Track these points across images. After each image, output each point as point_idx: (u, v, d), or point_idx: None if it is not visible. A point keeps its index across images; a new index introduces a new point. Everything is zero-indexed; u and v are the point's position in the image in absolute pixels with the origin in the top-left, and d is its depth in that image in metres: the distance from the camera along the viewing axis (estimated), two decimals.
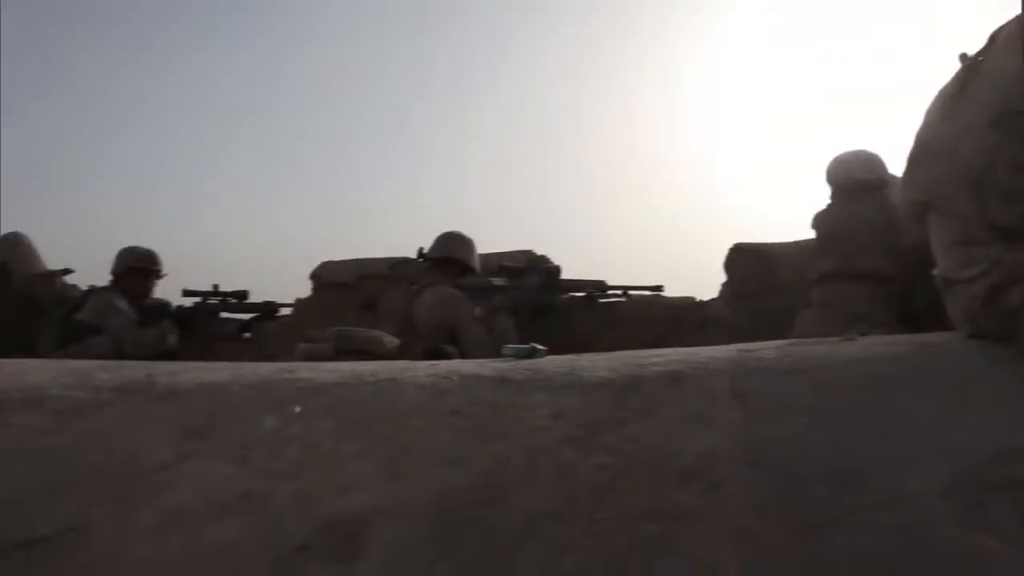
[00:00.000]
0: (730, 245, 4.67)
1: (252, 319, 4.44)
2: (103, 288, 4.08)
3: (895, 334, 1.79)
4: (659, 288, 4.38)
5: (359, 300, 4.58)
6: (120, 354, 3.69)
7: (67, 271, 4.62)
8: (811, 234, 3.67)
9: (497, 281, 3.84)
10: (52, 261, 4.73)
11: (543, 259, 4.38)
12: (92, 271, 4.35)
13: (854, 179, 3.24)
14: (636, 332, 4.10)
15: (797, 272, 4.13)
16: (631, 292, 4.31)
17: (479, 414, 1.16)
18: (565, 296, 4.13)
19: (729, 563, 0.93)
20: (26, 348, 4.08)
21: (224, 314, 4.39)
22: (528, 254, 4.42)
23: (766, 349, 1.47)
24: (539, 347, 1.68)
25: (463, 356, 3.12)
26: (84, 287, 4.31)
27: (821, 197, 3.49)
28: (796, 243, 4.49)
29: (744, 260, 4.55)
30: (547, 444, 1.09)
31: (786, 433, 1.10)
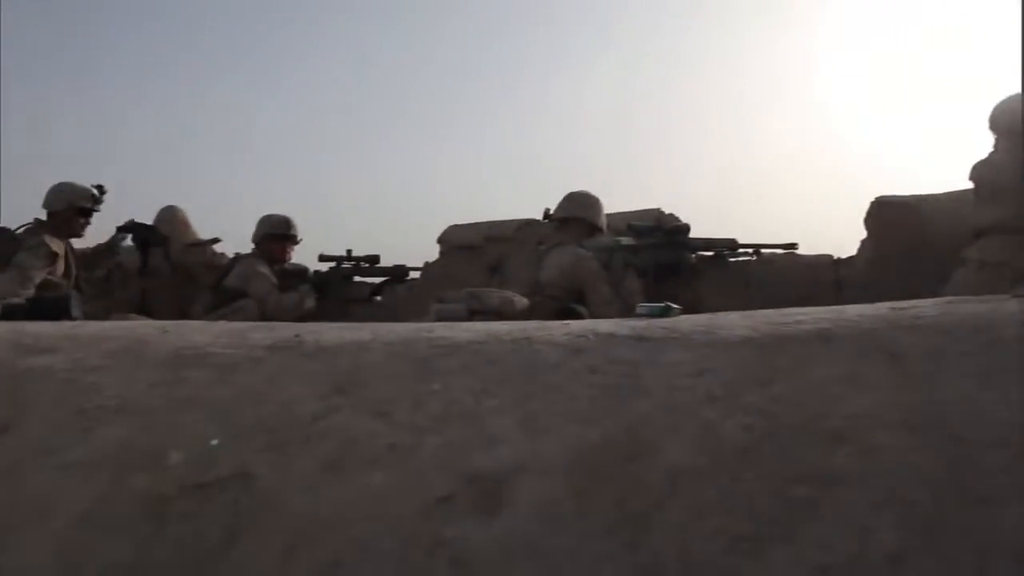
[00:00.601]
0: (871, 199, 4.40)
1: (383, 282, 4.62)
2: (247, 255, 4.36)
3: None
4: (793, 246, 4.19)
5: (485, 262, 4.65)
6: (264, 317, 3.94)
7: (216, 240, 5.00)
8: (966, 185, 3.40)
9: (624, 240, 3.79)
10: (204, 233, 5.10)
11: (671, 217, 4.28)
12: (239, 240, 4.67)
13: None
14: (769, 292, 3.96)
15: (949, 227, 3.84)
16: (763, 250, 4.14)
17: (617, 372, 1.15)
18: (694, 255, 4.03)
19: (888, 531, 0.88)
20: (180, 312, 4.44)
21: (357, 278, 4.59)
22: (655, 213, 4.33)
23: (922, 307, 1.38)
24: (673, 306, 1.66)
25: (591, 316, 3.11)
26: (231, 255, 4.63)
27: (978, 147, 3.21)
28: (947, 195, 4.17)
29: (888, 214, 4.27)
30: (689, 402, 1.07)
31: (951, 396, 1.03)
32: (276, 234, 4.36)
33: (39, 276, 3.59)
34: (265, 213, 4.43)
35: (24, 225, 3.83)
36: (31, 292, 3.36)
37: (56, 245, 3.73)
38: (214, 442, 1.09)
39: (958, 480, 0.91)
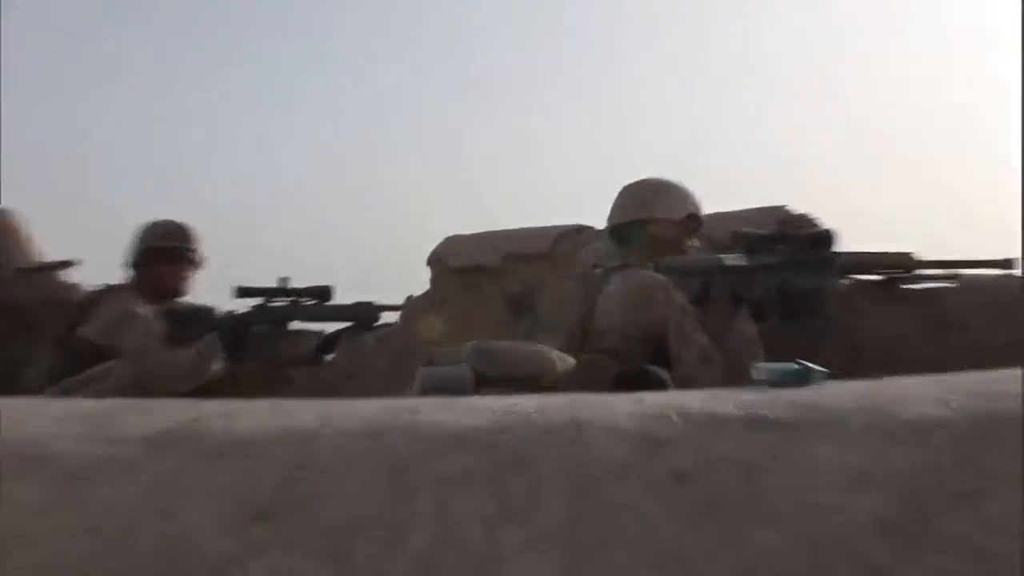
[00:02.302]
0: None
1: (339, 331, 4.63)
2: (116, 287, 4.41)
3: None
4: (1008, 263, 4.15)
5: (503, 294, 4.67)
6: (142, 387, 3.97)
7: (67, 264, 4.94)
8: None
9: (729, 259, 3.78)
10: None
11: (804, 220, 4.27)
12: None
13: None
14: (977, 337, 3.93)
15: None
16: (961, 271, 4.12)
17: (720, 481, 1.15)
18: (845, 280, 4.01)
19: None
20: (7, 377, 4.46)
21: (296, 323, 4.62)
22: (779, 213, 4.33)
23: None
24: (814, 367, 1.66)
25: (676, 382, 3.11)
26: (91, 287, 4.66)
27: None
28: None
29: None
30: (843, 533, 1.06)
31: None
32: (162, 249, 4.41)
33: None
34: (151, 221, 4.49)
35: None
36: None
37: None
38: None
39: None
